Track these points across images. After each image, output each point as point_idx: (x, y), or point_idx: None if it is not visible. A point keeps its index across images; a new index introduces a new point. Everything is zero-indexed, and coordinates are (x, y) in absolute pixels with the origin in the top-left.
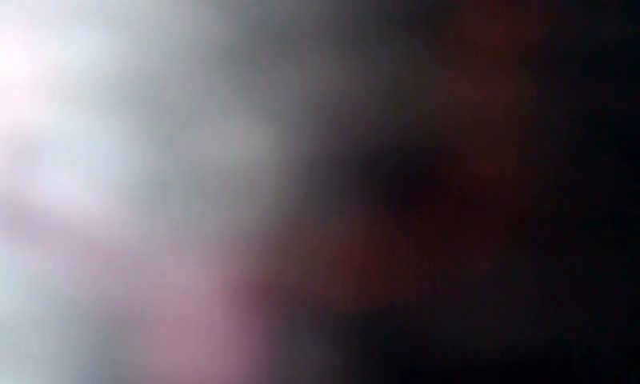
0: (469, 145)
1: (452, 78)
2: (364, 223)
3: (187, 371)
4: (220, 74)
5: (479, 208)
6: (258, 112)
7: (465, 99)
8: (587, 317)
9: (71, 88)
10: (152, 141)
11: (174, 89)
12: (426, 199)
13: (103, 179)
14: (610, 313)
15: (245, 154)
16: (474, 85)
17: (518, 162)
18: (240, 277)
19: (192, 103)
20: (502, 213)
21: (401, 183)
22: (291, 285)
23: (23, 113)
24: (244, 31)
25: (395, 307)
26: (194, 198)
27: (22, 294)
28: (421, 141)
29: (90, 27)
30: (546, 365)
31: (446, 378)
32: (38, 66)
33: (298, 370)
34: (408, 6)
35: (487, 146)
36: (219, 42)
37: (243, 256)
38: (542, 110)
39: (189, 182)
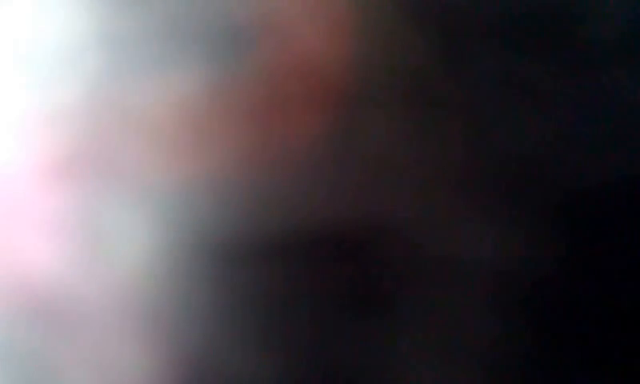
0: (287, 21)
1: None
2: (182, 94)
3: (1, 251)
4: None
5: (298, 82)
6: None
7: None
8: (396, 191)
9: None
10: None
11: None
12: (245, 73)
13: None
14: (416, 186)
15: (60, 27)
16: None
17: (338, 40)
18: (55, 151)
19: None
20: (320, 86)
21: (220, 53)
22: (108, 157)
23: None
24: None
25: (213, 179)
26: (9, 73)
27: None
28: (240, 16)
29: None
30: (362, 235)
31: (264, 251)
32: None
33: (115, 243)
34: None
35: (307, 22)
36: None
37: (58, 130)
38: None
39: (3, 57)
